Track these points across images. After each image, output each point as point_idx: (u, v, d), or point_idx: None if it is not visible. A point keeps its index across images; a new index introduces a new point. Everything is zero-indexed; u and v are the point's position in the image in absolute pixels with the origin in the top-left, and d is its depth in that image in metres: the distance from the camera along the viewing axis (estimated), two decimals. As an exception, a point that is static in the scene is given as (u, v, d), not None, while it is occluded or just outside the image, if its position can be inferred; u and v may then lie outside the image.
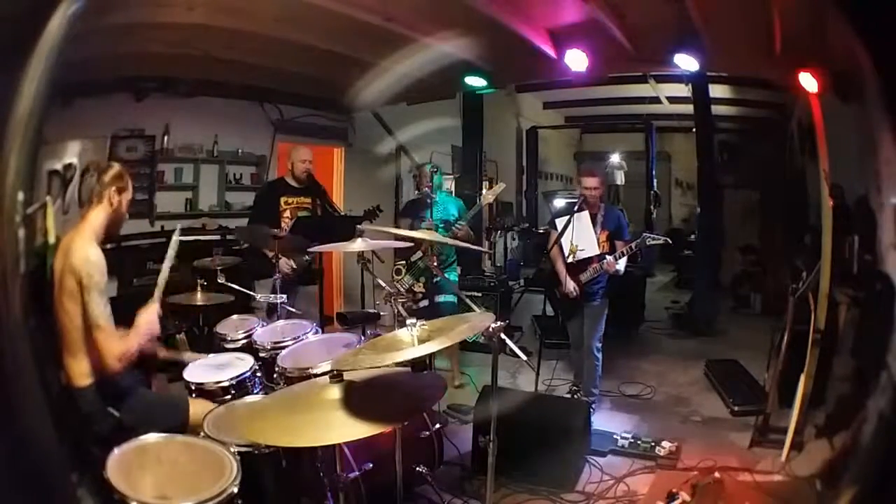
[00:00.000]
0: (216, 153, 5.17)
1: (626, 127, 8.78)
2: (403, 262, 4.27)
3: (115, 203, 2.24)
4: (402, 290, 4.18)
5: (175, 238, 2.45)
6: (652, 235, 3.68)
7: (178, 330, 3.16)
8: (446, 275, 4.21)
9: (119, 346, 2.13)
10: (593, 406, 3.93)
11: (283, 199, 4.11)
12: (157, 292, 2.33)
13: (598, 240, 3.81)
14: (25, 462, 1.06)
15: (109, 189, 2.22)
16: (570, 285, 3.80)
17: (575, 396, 4.02)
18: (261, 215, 4.06)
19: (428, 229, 4.07)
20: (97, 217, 2.21)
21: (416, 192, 4.58)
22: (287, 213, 4.09)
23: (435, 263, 3.93)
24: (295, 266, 3.90)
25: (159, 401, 2.38)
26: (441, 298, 4.12)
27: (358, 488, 2.29)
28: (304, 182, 4.12)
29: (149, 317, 2.25)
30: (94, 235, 2.17)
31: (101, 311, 2.07)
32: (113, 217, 2.25)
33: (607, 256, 3.73)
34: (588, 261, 3.82)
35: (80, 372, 2.09)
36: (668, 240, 3.74)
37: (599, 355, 3.94)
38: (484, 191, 4.33)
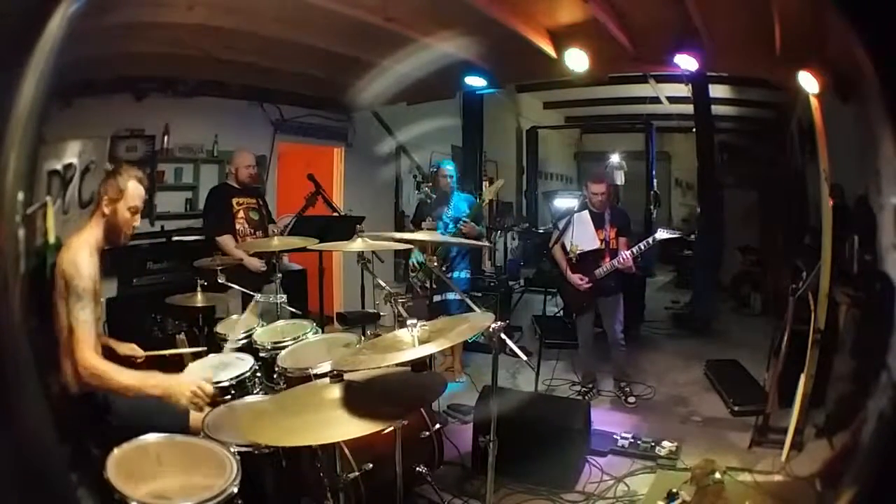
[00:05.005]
0: (216, 153, 5.16)
1: (626, 127, 8.78)
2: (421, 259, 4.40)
3: (108, 212, 2.18)
4: (416, 286, 4.38)
5: None
6: (665, 230, 3.85)
7: (177, 330, 3.16)
8: (456, 274, 4.37)
9: (91, 358, 2.02)
10: (628, 390, 4.15)
11: (234, 201, 4.22)
12: None
13: (608, 237, 3.99)
14: (25, 462, 1.06)
15: (103, 197, 2.17)
16: (575, 277, 3.98)
17: (585, 398, 4.04)
18: (218, 217, 4.16)
19: (430, 229, 4.09)
20: (95, 224, 2.18)
21: (418, 192, 4.61)
22: (241, 214, 4.21)
23: (435, 263, 3.92)
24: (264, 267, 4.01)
25: (158, 407, 2.35)
26: (450, 296, 4.18)
27: (358, 488, 2.29)
28: (248, 185, 4.27)
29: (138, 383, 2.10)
30: (91, 241, 2.14)
31: (75, 315, 2.01)
32: (107, 227, 2.19)
33: (621, 252, 3.88)
34: (596, 254, 3.97)
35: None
36: (681, 234, 3.89)
37: (623, 341, 4.15)
38: (484, 189, 4.43)
